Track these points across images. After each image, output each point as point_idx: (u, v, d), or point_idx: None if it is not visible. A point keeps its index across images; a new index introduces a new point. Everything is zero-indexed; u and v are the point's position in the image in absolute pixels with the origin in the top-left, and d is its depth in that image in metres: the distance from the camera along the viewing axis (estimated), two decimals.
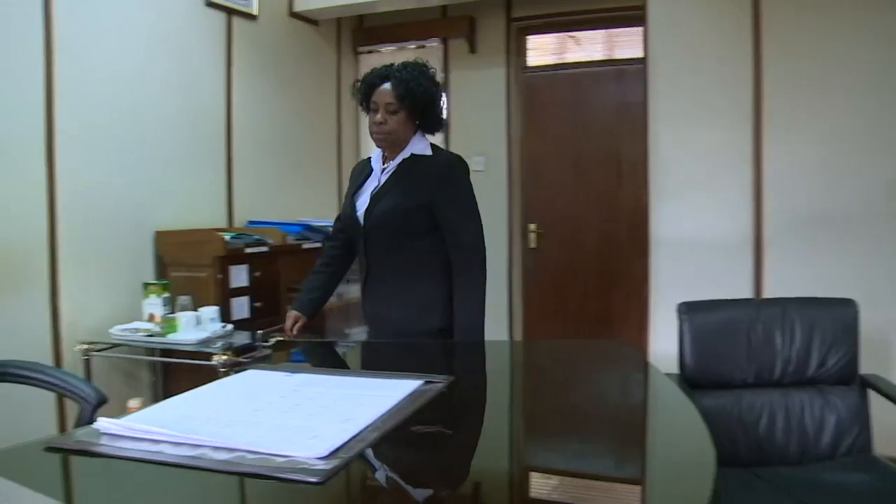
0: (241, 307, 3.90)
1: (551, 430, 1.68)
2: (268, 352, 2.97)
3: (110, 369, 3.72)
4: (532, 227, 5.47)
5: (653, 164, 4.03)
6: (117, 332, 3.53)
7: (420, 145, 2.65)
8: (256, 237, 4.07)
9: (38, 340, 3.36)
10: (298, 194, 5.10)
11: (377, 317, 2.71)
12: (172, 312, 3.55)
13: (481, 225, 2.64)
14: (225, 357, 3.18)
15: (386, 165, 2.66)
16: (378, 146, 2.69)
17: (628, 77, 5.13)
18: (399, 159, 2.63)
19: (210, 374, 3.18)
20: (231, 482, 1.23)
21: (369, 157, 2.76)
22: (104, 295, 3.68)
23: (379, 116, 2.58)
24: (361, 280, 2.72)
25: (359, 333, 5.01)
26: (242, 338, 3.56)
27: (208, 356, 3.28)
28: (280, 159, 4.92)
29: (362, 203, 2.65)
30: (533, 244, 5.49)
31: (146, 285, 3.65)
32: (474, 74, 5.53)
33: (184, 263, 3.85)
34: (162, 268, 3.92)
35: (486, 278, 2.62)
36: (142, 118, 3.86)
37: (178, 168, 4.09)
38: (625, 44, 5.27)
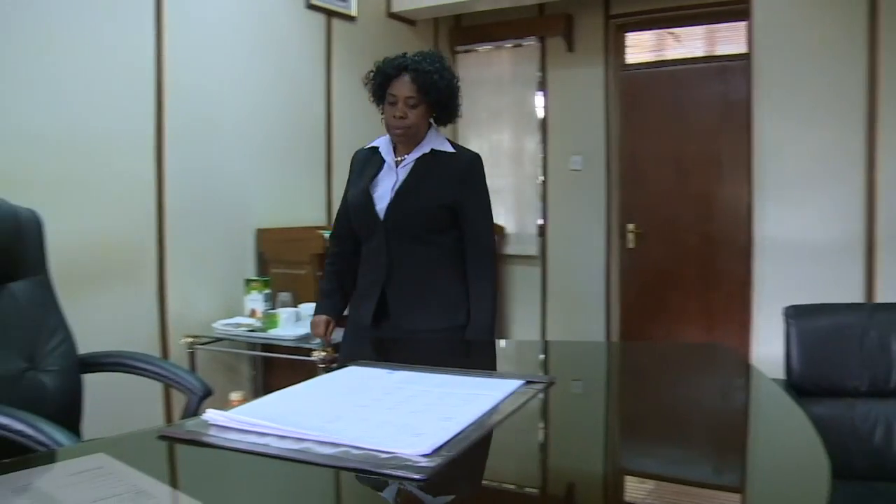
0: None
1: (649, 434, 1.64)
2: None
3: (213, 362, 3.83)
4: (630, 227, 5.37)
5: (757, 164, 3.90)
6: (220, 326, 3.64)
7: (437, 140, 2.57)
8: None
9: (147, 332, 3.50)
10: None
11: (400, 315, 2.57)
12: (273, 308, 3.63)
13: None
14: (324, 353, 3.23)
15: (401, 158, 2.56)
16: (396, 141, 2.57)
17: (731, 74, 4.98)
18: (418, 153, 2.54)
19: (308, 370, 3.26)
20: (334, 476, 1.25)
21: (374, 147, 2.65)
22: (208, 290, 3.79)
23: (398, 110, 2.48)
24: (377, 277, 2.56)
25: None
26: (339, 334, 3.60)
27: (307, 352, 3.34)
28: None
29: (381, 197, 2.54)
30: (631, 244, 5.39)
31: (248, 281, 3.74)
32: (572, 73, 5.47)
33: (284, 260, 3.94)
34: (263, 265, 4.02)
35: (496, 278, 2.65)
36: (245, 119, 3.97)
37: (279, 168, 4.19)
38: (727, 39, 5.12)
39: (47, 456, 1.63)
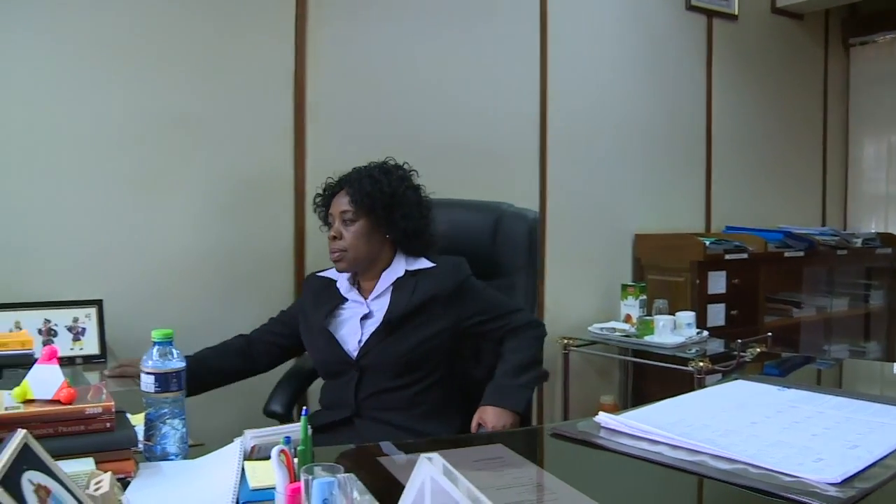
0: (716, 314, 3.83)
1: None
2: (747, 361, 2.87)
3: (585, 364, 3.91)
4: None
5: None
6: (595, 329, 3.70)
7: (410, 260, 2.14)
8: (736, 243, 3.97)
9: None
10: (778, 200, 4.84)
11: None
12: (648, 315, 3.61)
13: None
14: (701, 364, 3.14)
15: (374, 290, 2.13)
16: (338, 270, 2.14)
17: None
18: (390, 280, 2.11)
19: (683, 380, 3.19)
20: (730, 493, 1.20)
21: (328, 278, 2.21)
22: (584, 293, 3.88)
23: (333, 230, 2.11)
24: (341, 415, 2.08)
25: (839, 351, 4.62)
26: (717, 345, 3.49)
27: (683, 361, 3.27)
28: (760, 163, 4.72)
29: (349, 334, 2.11)
30: None
31: (624, 287, 3.76)
32: None
33: (661, 267, 3.90)
34: (639, 270, 4.02)
35: (542, 344, 2.18)
36: (623, 123, 4.00)
37: (657, 172, 4.16)
38: None
39: (451, 441, 1.78)
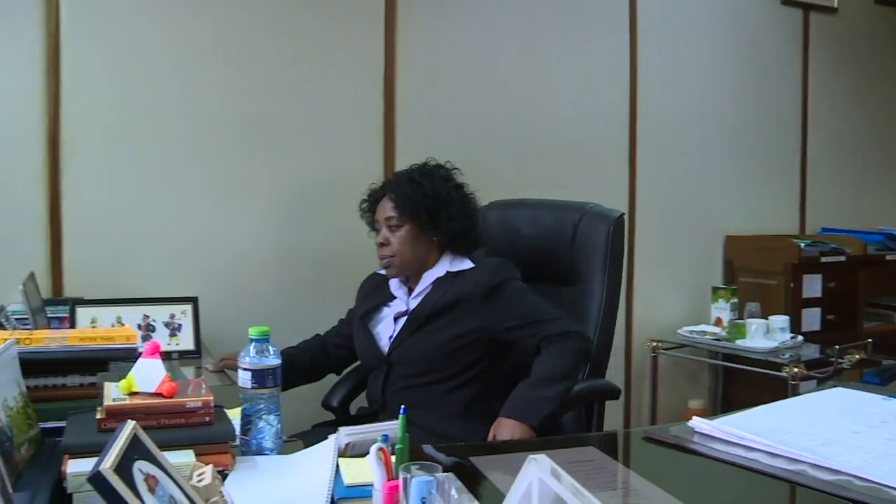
0: (811, 319, 3.71)
1: None
2: (844, 369, 2.78)
3: (674, 367, 3.84)
4: None
5: None
6: (685, 332, 3.63)
7: (455, 261, 2.12)
8: (832, 245, 3.84)
9: (615, 334, 3.63)
10: (879, 200, 4.64)
11: None
12: (739, 318, 3.53)
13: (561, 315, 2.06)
14: (796, 370, 3.05)
15: (416, 289, 2.13)
16: (388, 276, 2.17)
17: None
18: (430, 279, 2.11)
19: (776, 386, 3.10)
20: None
21: (383, 275, 2.22)
22: (673, 295, 3.82)
23: (380, 237, 2.11)
24: (372, 410, 2.13)
25: None
26: (812, 351, 3.38)
27: (776, 367, 3.18)
28: (859, 162, 4.54)
29: (384, 329, 2.14)
30: None
31: (715, 289, 3.68)
32: None
33: (753, 269, 3.80)
34: (730, 272, 3.92)
35: (582, 358, 2.02)
36: (714, 122, 3.91)
37: (749, 172, 4.05)
38: None
39: (539, 443, 1.77)
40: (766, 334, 3.38)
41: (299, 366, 2.21)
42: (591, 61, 3.52)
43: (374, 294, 2.23)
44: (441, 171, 2.15)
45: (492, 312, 2.03)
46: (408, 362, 2.05)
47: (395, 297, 2.17)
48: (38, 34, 2.56)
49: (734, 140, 3.99)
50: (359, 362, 2.33)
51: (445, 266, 2.11)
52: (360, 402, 2.29)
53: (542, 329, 2.00)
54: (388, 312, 2.17)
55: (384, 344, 2.11)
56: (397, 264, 2.09)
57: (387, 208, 2.10)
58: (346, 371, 2.37)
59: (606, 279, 2.28)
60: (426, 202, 2.06)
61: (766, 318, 3.45)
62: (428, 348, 2.03)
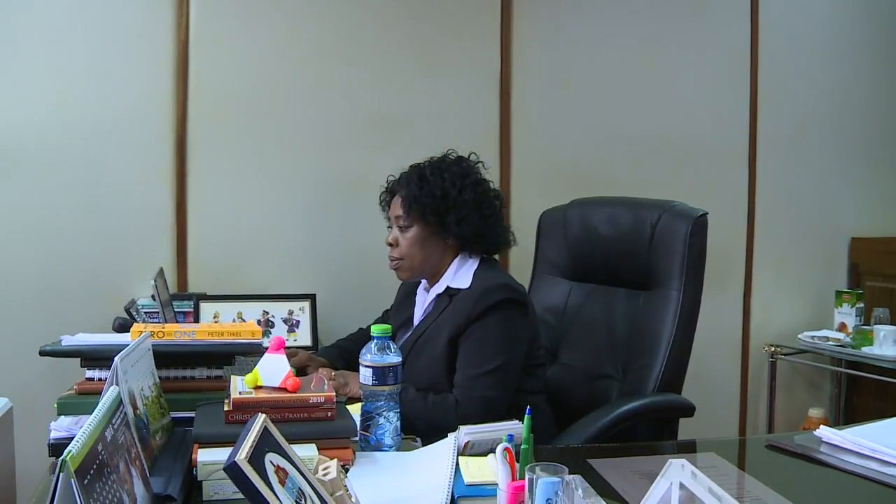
0: None
1: None
2: None
3: (793, 374, 3.70)
4: None
5: None
6: (805, 338, 3.50)
7: (460, 274, 1.92)
8: None
9: (730, 338, 3.53)
10: None
11: None
12: (865, 324, 3.37)
13: (504, 375, 1.79)
14: None
15: (425, 302, 2.00)
16: (399, 279, 2.05)
17: None
18: (437, 293, 1.94)
19: None
20: None
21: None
22: (793, 299, 3.67)
23: (389, 237, 1.97)
24: None
25: None
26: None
27: None
28: None
29: (402, 331, 2.04)
30: None
31: (838, 293, 3.53)
32: None
33: (881, 273, 3.62)
34: (855, 276, 3.75)
35: (448, 427, 1.44)
36: (837, 120, 3.73)
37: (877, 171, 3.84)
38: None
39: (651, 447, 1.74)
40: (894, 342, 3.22)
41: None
42: (709, 58, 3.43)
43: (406, 295, 2.13)
44: (455, 167, 1.98)
45: (459, 346, 1.84)
46: (414, 379, 1.83)
47: (419, 297, 2.07)
48: (168, 41, 2.71)
49: (862, 137, 3.80)
50: None
51: (451, 275, 1.93)
52: None
53: (464, 381, 1.79)
54: (405, 314, 2.10)
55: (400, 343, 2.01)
56: (406, 268, 1.95)
57: (397, 207, 1.95)
58: None
59: (684, 285, 2.06)
60: (433, 203, 1.90)
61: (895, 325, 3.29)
62: (424, 368, 1.87)
